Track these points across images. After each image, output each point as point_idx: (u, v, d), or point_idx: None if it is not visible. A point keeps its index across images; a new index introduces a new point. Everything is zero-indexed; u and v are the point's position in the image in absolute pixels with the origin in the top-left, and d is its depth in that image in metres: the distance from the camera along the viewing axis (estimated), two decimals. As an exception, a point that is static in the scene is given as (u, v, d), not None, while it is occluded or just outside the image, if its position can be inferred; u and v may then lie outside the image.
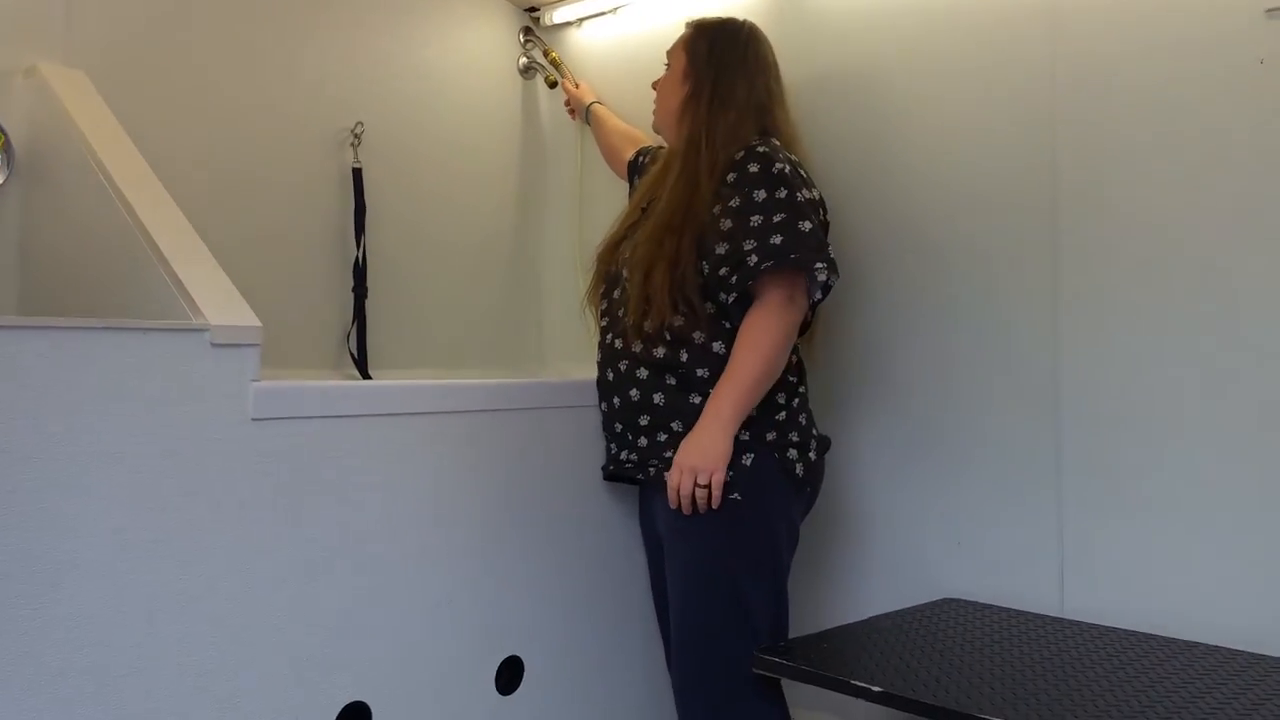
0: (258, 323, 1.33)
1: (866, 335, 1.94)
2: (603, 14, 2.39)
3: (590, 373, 1.83)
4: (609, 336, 1.74)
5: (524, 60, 2.50)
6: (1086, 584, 1.70)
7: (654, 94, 1.84)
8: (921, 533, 1.90)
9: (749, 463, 1.57)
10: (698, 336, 1.62)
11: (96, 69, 1.72)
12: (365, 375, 2.14)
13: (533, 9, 2.49)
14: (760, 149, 1.63)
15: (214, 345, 1.28)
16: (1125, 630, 1.59)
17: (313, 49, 2.10)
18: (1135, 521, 1.65)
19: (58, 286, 1.59)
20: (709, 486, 1.53)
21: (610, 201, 2.18)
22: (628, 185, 2.11)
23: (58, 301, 1.58)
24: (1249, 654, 1.47)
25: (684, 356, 1.63)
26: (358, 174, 2.14)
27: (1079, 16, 1.72)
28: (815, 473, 1.68)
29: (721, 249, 1.58)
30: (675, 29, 2.20)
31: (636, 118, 2.25)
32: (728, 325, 1.63)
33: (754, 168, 1.61)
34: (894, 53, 1.93)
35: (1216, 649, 1.49)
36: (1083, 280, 1.72)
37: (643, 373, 1.66)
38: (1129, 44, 1.67)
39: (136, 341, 1.22)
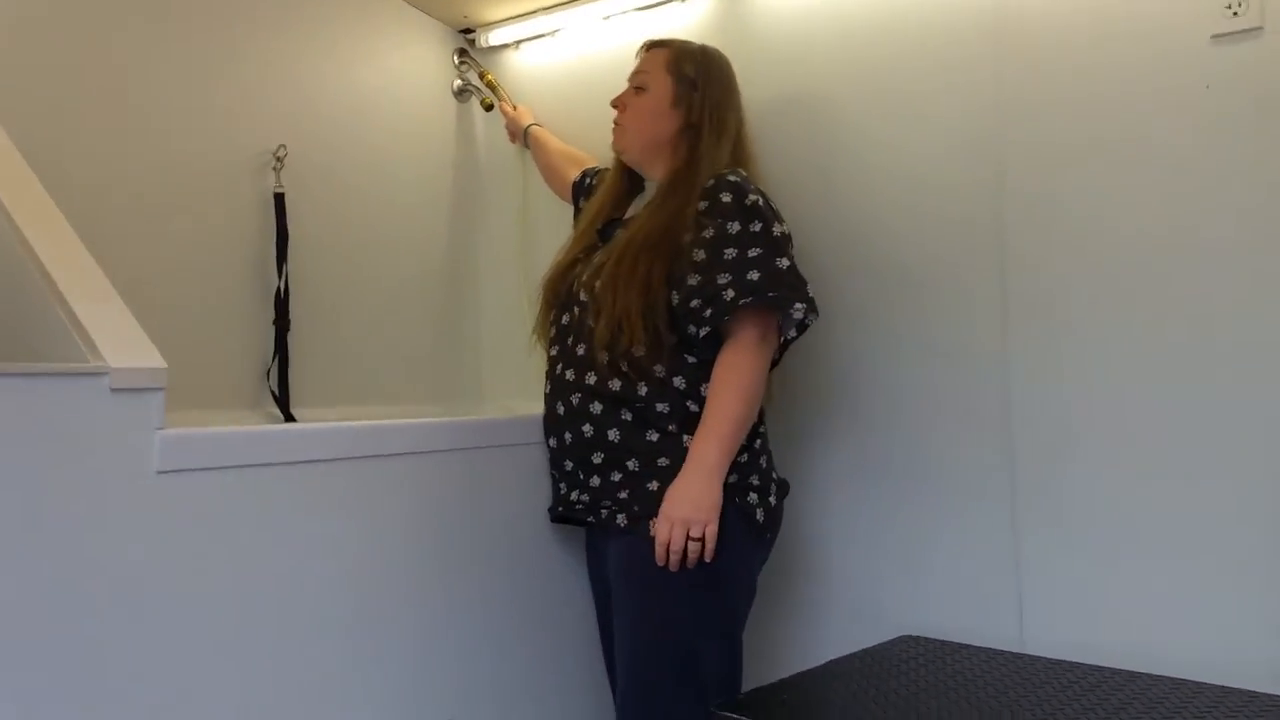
0: (163, 363, 1.20)
1: (819, 364, 1.88)
2: (541, 36, 2.31)
3: (532, 408, 1.74)
4: (559, 367, 1.65)
5: (459, 83, 2.41)
6: (1045, 616, 1.66)
7: (611, 112, 1.76)
8: (877, 568, 1.84)
9: None
10: (658, 370, 1.54)
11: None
12: (287, 414, 2.00)
13: (468, 31, 2.40)
14: (731, 178, 1.57)
15: (113, 390, 1.15)
16: (1089, 665, 1.54)
17: (233, 69, 1.97)
18: (1092, 549, 1.62)
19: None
20: (702, 539, 1.44)
21: (554, 227, 2.09)
22: (573, 207, 2.02)
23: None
24: (1216, 687, 1.43)
25: (642, 390, 1.55)
26: (280, 199, 2.01)
27: (1025, 37, 1.71)
28: (775, 519, 1.60)
29: (693, 280, 1.52)
30: (617, 53, 2.16)
31: (579, 141, 2.17)
32: (690, 359, 1.55)
33: (726, 198, 1.54)
34: (838, 74, 1.90)
35: (1183, 683, 1.45)
36: (1030, 300, 1.70)
37: (596, 407, 1.57)
38: (1076, 64, 1.67)
39: (22, 387, 1.08)
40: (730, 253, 1.51)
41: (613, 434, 1.56)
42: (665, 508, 1.47)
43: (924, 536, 1.79)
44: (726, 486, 1.51)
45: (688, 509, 1.44)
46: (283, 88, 2.05)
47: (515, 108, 2.29)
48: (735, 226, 1.53)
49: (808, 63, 1.93)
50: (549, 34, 2.29)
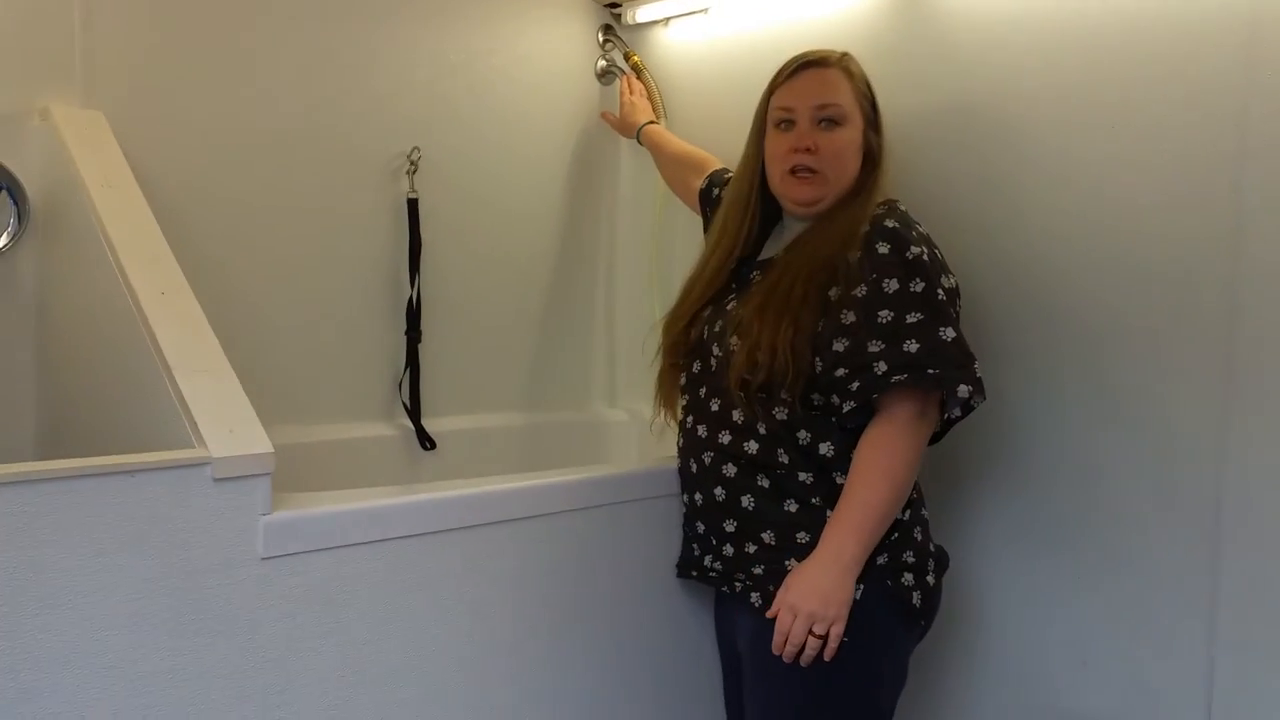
0: (269, 448, 1.13)
1: (998, 410, 1.61)
2: (693, 13, 2.09)
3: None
4: (690, 420, 1.50)
5: (603, 63, 2.23)
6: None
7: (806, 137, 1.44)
8: (1042, 644, 1.64)
9: (858, 595, 1.33)
10: (802, 435, 1.37)
11: (117, 106, 1.54)
12: (418, 426, 1.96)
13: (614, 5, 2.21)
14: (890, 223, 1.36)
15: (216, 480, 1.10)
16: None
17: (363, 68, 1.87)
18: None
19: (69, 377, 1.44)
20: (825, 637, 1.30)
21: (691, 230, 1.92)
22: (701, 220, 1.83)
23: (67, 396, 1.43)
24: None
25: (782, 456, 1.38)
26: (413, 205, 1.93)
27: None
28: (933, 601, 1.43)
29: (840, 345, 1.33)
30: (774, 31, 1.94)
31: (732, 130, 1.91)
32: (835, 421, 1.37)
33: (884, 248, 1.34)
34: (1035, 83, 1.60)
35: None
36: (1261, 376, 1.40)
37: (730, 469, 1.42)
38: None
39: (124, 485, 1.04)
40: (885, 315, 1.31)
41: (746, 501, 1.41)
42: (790, 595, 1.32)
43: (1103, 622, 1.57)
44: (875, 568, 1.34)
45: (815, 603, 1.29)
46: (417, 84, 1.94)
47: (633, 92, 2.08)
48: (893, 284, 1.32)
49: (992, 66, 1.64)
50: (700, 11, 2.08)
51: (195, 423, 1.12)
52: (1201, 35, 1.44)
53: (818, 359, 1.35)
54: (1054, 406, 1.60)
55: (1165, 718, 1.50)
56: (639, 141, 2.06)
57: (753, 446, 1.40)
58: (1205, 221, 1.45)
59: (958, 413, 1.37)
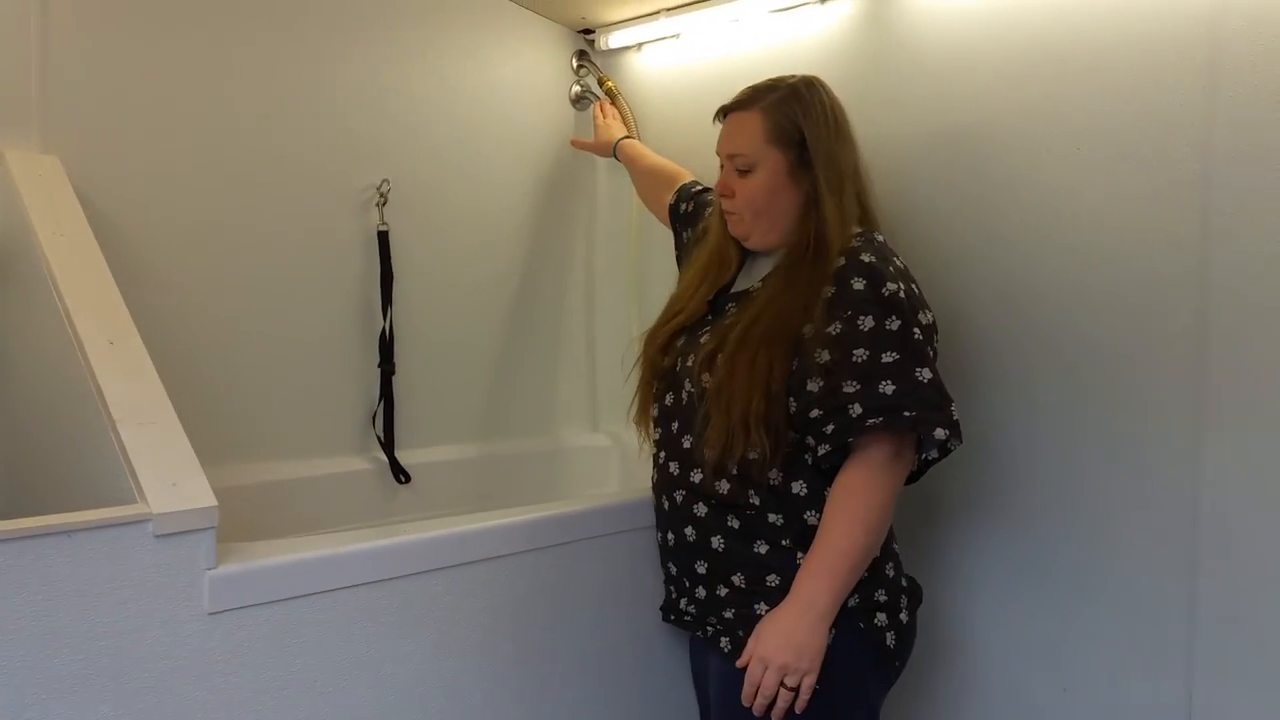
0: (212, 501, 1.12)
1: (977, 439, 1.59)
2: (664, 39, 2.08)
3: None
4: (662, 455, 1.48)
5: (577, 88, 2.22)
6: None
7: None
8: (1023, 670, 1.61)
9: (827, 640, 1.30)
10: (774, 475, 1.34)
11: (75, 149, 1.53)
12: (392, 459, 1.94)
13: (588, 32, 2.20)
14: (866, 257, 1.32)
15: (157, 536, 1.08)
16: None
17: (330, 100, 1.86)
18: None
19: (23, 429, 1.43)
20: (796, 690, 1.26)
21: (667, 249, 1.88)
22: (674, 237, 1.81)
23: (21, 448, 1.42)
24: None
25: (753, 497, 1.35)
26: (383, 237, 1.92)
27: (1245, 70, 1.34)
28: (908, 639, 1.39)
29: (814, 385, 1.30)
30: (746, 56, 1.92)
31: (705, 151, 1.91)
32: (809, 460, 1.34)
33: (859, 284, 1.30)
34: (1002, 106, 1.58)
35: None
36: (1234, 395, 1.38)
37: (700, 509, 1.40)
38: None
39: (63, 545, 1.03)
40: (860, 355, 1.28)
41: (716, 542, 1.38)
42: (762, 646, 1.28)
43: (1083, 648, 1.54)
44: (846, 610, 1.31)
45: (789, 654, 1.26)
46: (385, 113, 1.93)
47: (605, 115, 2.08)
48: (868, 322, 1.29)
49: (972, 78, 1.62)
50: (672, 36, 2.06)
51: (137, 477, 1.10)
52: (1163, 56, 1.42)
53: (792, 399, 1.32)
54: (1031, 433, 1.58)
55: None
56: (616, 158, 2.04)
57: (724, 486, 1.37)
58: (1172, 241, 1.43)
59: (934, 454, 1.34)
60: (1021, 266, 1.57)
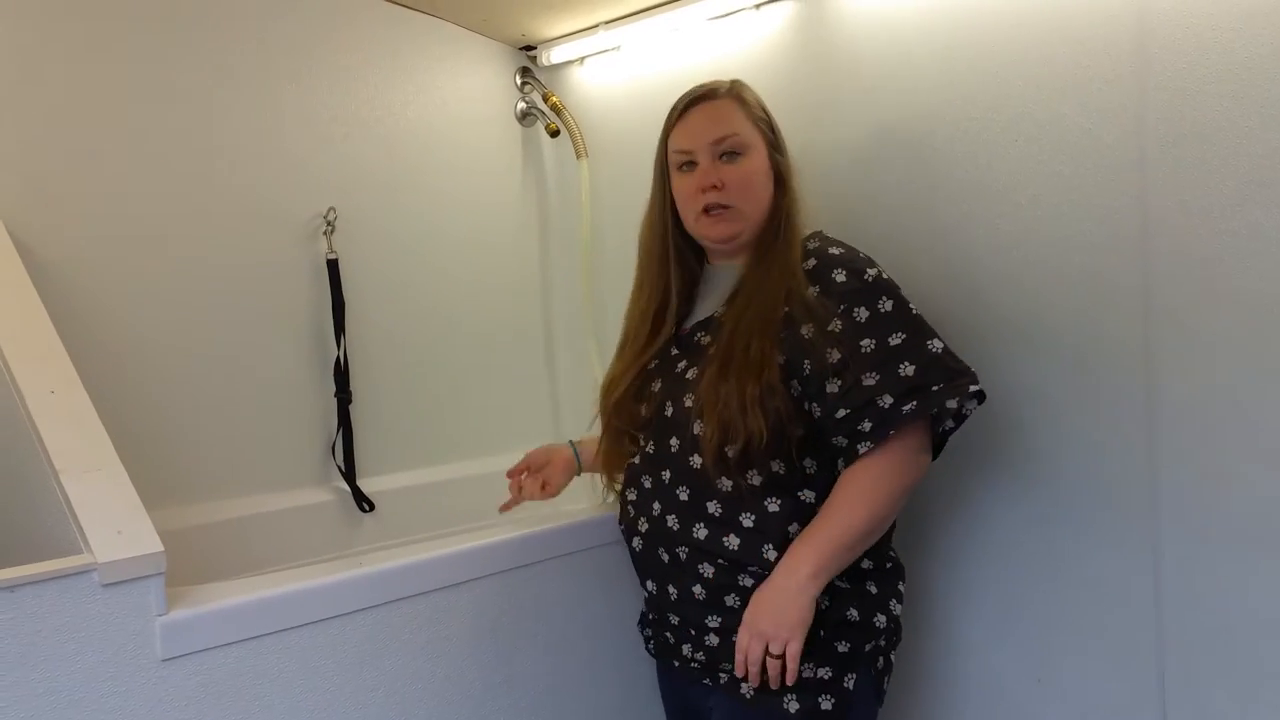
0: (158, 546, 1.10)
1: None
2: (605, 51, 2.08)
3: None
4: (657, 507, 1.39)
5: (522, 105, 2.22)
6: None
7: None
8: (998, 659, 1.61)
9: (851, 685, 1.29)
10: (793, 528, 1.30)
11: (12, 198, 1.53)
12: (354, 488, 1.93)
13: (530, 49, 2.20)
14: (835, 250, 1.33)
15: (104, 585, 1.07)
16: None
17: (271, 132, 1.85)
18: (1259, 688, 1.34)
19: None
20: (782, 657, 1.25)
21: (621, 252, 1.85)
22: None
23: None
24: None
25: (768, 553, 1.31)
26: (333, 265, 1.91)
27: (1173, 54, 1.36)
28: (889, 677, 1.41)
29: (833, 386, 1.26)
30: (686, 66, 1.92)
31: (645, 161, 1.92)
32: (801, 495, 1.32)
33: (840, 276, 1.29)
34: (939, 99, 1.59)
35: None
36: (1179, 377, 1.39)
37: (708, 570, 1.35)
38: (1236, 80, 1.31)
39: (4, 600, 1.01)
40: (868, 345, 1.26)
41: (731, 600, 1.33)
42: (747, 614, 1.28)
43: (1055, 638, 1.55)
44: (865, 656, 1.31)
45: (766, 622, 1.25)
46: (327, 146, 1.93)
47: (522, 490, 1.70)
48: (863, 312, 1.27)
49: (908, 77, 1.63)
50: (613, 49, 2.07)
51: (81, 526, 1.09)
52: (1093, 45, 1.43)
53: (814, 405, 1.29)
54: (989, 420, 1.58)
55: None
56: (582, 469, 1.69)
57: (734, 542, 1.31)
58: (1113, 227, 1.44)
59: (950, 424, 1.33)
60: (965, 257, 1.58)
